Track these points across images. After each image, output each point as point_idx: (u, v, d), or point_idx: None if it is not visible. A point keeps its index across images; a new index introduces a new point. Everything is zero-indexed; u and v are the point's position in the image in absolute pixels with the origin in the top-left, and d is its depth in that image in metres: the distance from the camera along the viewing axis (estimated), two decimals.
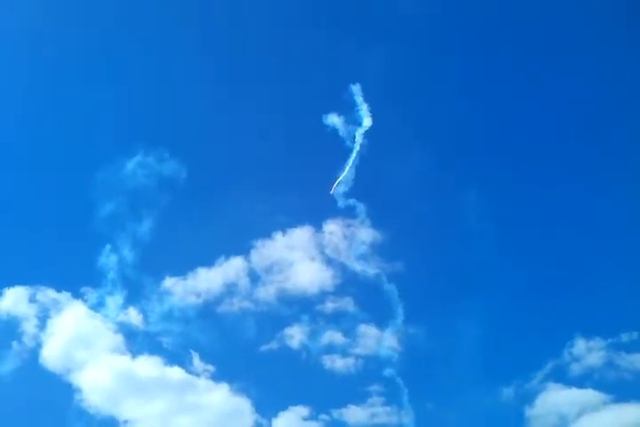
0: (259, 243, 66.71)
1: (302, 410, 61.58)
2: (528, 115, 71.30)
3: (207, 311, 65.41)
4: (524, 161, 71.25)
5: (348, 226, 65.94)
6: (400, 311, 62.51)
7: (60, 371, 60.43)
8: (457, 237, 68.87)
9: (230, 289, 65.63)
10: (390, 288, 63.01)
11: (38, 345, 60.91)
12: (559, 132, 71.03)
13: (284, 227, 66.74)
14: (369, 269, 64.41)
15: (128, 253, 63.58)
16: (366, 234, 65.83)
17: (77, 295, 63.77)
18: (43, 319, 62.26)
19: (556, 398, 59.82)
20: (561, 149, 70.02)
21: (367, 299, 66.29)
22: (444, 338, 64.70)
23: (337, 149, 62.85)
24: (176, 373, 61.48)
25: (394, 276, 64.10)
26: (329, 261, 66.32)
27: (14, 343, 61.41)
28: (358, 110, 60.47)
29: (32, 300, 62.66)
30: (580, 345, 61.34)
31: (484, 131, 72.11)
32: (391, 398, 62.61)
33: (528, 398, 60.88)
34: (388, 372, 61.87)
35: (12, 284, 63.21)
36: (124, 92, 72.57)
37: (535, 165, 70.81)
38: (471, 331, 62.99)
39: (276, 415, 62.04)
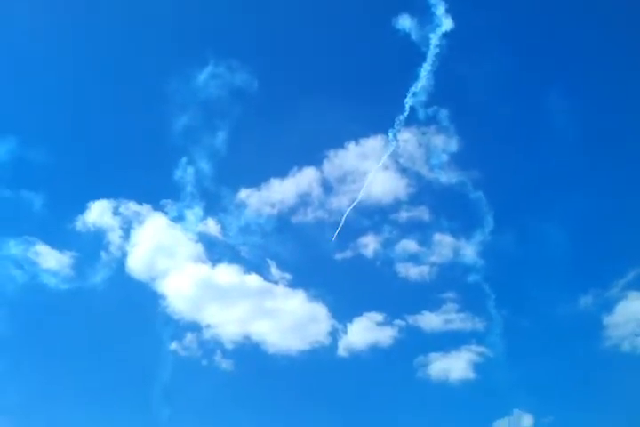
0: (331, 153, 66.17)
1: (377, 316, 62.91)
2: (611, 10, 65.94)
3: (282, 222, 66.22)
4: (609, 58, 66.30)
5: (424, 134, 64.12)
6: (483, 219, 61.51)
7: (145, 279, 63.33)
8: (542, 140, 66.23)
9: (304, 199, 65.92)
10: (477, 196, 61.66)
11: (124, 255, 63.63)
12: None
13: (356, 136, 65.67)
14: (448, 178, 63.13)
15: (204, 166, 64.27)
16: (444, 141, 63.94)
17: (158, 208, 65.60)
18: (126, 231, 64.66)
19: (636, 307, 58.57)
20: None
21: (444, 208, 65.43)
22: (528, 245, 63.80)
23: (410, 54, 60.18)
24: (254, 280, 63.44)
25: (480, 183, 62.72)
26: (403, 171, 65.24)
27: (102, 254, 64.33)
28: (433, 11, 56.94)
29: (115, 212, 64.98)
30: None
31: (567, 28, 67.28)
32: (466, 304, 62.78)
33: (607, 306, 59.89)
34: (472, 278, 61.71)
35: (96, 197, 65.53)
36: (194, 2, 71.34)
37: (621, 61, 65.93)
38: (555, 237, 61.71)
39: (351, 321, 63.63)
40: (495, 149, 66.41)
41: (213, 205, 65.81)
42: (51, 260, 63.46)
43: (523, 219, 64.87)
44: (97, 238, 64.97)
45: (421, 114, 60.40)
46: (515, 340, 60.89)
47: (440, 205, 65.38)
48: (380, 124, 63.89)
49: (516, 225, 64.33)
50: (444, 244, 64.00)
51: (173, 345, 61.77)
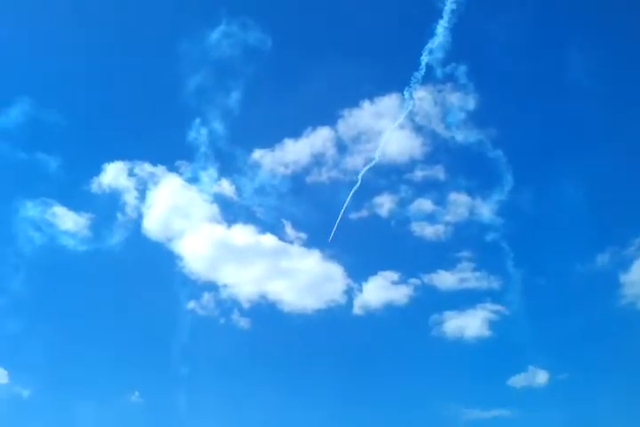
0: (346, 112, 65.48)
1: (392, 275, 63.15)
2: None
3: (296, 182, 66.07)
4: (628, 13, 64.64)
5: (440, 92, 63.13)
6: (502, 177, 60.97)
7: (161, 240, 63.75)
8: (562, 97, 64.94)
9: (318, 160, 65.61)
10: (495, 154, 61.02)
11: (140, 216, 63.95)
12: None
13: (371, 95, 64.74)
14: (465, 136, 62.39)
15: (217, 126, 63.95)
16: (461, 99, 62.94)
17: (172, 169, 65.64)
18: (142, 192, 64.85)
19: None
20: None
21: (460, 166, 64.91)
22: (546, 203, 63.26)
23: (426, 10, 59.04)
24: (270, 240, 63.65)
25: (499, 141, 61.97)
26: (419, 129, 64.52)
27: (119, 215, 64.70)
28: None
29: (130, 174, 65.10)
30: None
31: None
32: (482, 263, 62.77)
33: (624, 264, 59.64)
34: (490, 237, 61.55)
35: (110, 159, 65.63)
36: None
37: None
38: (573, 195, 61.24)
39: (366, 280, 63.94)
40: (514, 106, 65.38)
41: (227, 166, 65.71)
42: (68, 221, 63.96)
43: (542, 177, 64.29)
44: (113, 200, 65.29)
45: (438, 71, 59.45)
46: (531, 298, 61.00)
47: (456, 164, 64.85)
48: (395, 82, 63.00)
49: (534, 183, 63.76)
50: (460, 203, 63.72)
51: (191, 305, 62.49)
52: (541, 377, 58.81)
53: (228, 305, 63.06)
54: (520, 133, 64.75)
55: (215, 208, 64.59)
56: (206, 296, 62.93)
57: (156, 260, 65.01)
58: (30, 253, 62.42)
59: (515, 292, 60.69)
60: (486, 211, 62.28)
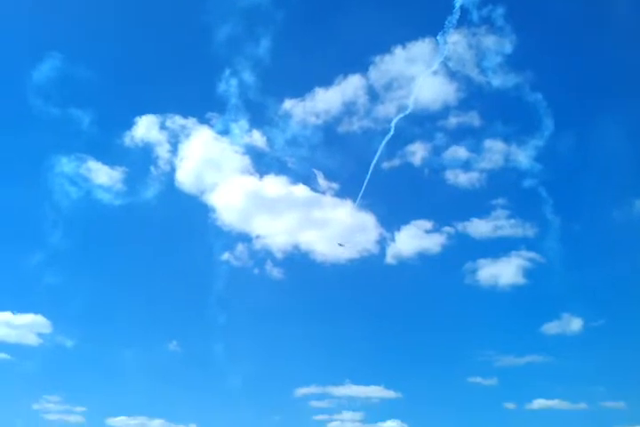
0: (377, 58, 64.06)
1: (425, 224, 62.89)
2: None
3: (328, 132, 65.53)
4: None
5: (475, 35, 61.27)
6: (542, 122, 59.51)
7: (194, 193, 64.19)
8: (604, 38, 62.43)
9: (349, 108, 64.80)
10: (535, 98, 59.51)
11: (172, 169, 64.34)
12: None
13: (403, 40, 62.93)
14: (502, 81, 60.79)
15: (247, 77, 63.27)
16: (497, 42, 60.96)
17: (203, 121, 65.56)
18: (174, 145, 65.07)
19: None
20: None
21: (496, 112, 63.58)
22: (588, 149, 61.80)
23: None
24: (302, 191, 63.65)
25: (538, 85, 60.33)
26: (453, 75, 62.97)
27: (152, 168, 65.18)
28: None
29: (162, 127, 65.24)
30: None
31: None
32: (517, 210, 62.03)
33: None
34: (527, 183, 60.66)
35: (142, 113, 65.74)
36: None
37: None
38: (615, 140, 59.56)
39: (399, 229, 63.83)
40: (553, 48, 63.26)
41: (258, 117, 65.35)
42: (102, 176, 64.72)
43: (583, 121, 62.51)
44: (145, 153, 65.70)
45: (473, 14, 57.69)
46: (569, 245, 60.25)
47: (492, 109, 63.49)
48: (428, 26, 61.02)
49: (575, 128, 62.03)
50: (496, 149, 62.61)
51: (225, 256, 63.27)
52: (575, 324, 58.68)
53: (262, 256, 63.74)
54: (560, 76, 62.95)
55: (247, 160, 64.64)
56: (240, 247, 63.62)
57: (190, 212, 65.65)
58: (67, 208, 63.57)
59: (551, 239, 60.00)
60: (524, 157, 61.08)
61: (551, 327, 59.15)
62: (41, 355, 62.31)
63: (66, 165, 63.78)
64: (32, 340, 61.49)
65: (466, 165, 63.05)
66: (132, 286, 66.26)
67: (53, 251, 62.21)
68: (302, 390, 60.77)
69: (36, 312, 61.84)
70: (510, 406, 57.96)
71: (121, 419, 60.65)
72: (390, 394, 59.16)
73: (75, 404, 60.19)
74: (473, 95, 62.83)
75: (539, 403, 57.12)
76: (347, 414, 59.28)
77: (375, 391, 59.11)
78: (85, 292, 65.07)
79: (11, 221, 66.61)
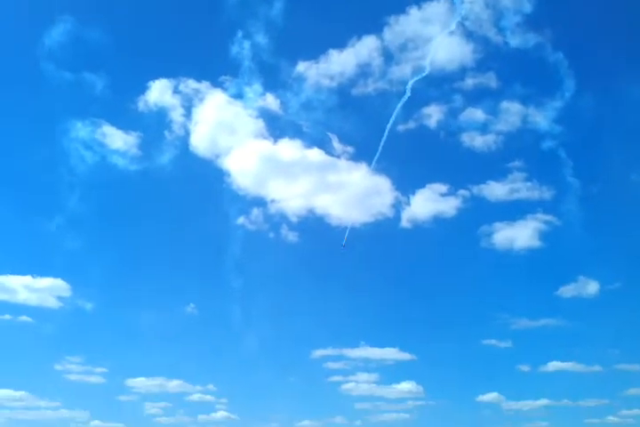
0: (392, 19, 62.63)
1: (440, 187, 62.50)
2: None
3: (342, 94, 64.79)
4: None
5: None
6: (562, 82, 58.23)
7: (209, 157, 64.11)
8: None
9: (364, 70, 63.86)
10: (556, 58, 58.12)
11: (187, 134, 64.17)
12: None
13: (418, 0, 61.72)
14: (520, 41, 59.30)
15: (260, 39, 62.36)
16: (515, 1, 59.32)
17: (217, 84, 65.04)
18: (188, 109, 64.75)
19: None
20: None
21: (514, 73, 62.34)
22: (610, 110, 60.60)
23: None
24: (316, 155, 63.26)
25: (560, 44, 58.85)
26: (469, 35, 61.60)
27: (166, 133, 65.11)
28: None
29: (175, 91, 64.84)
30: None
31: None
32: (534, 173, 61.38)
33: None
34: (546, 145, 59.82)
35: (155, 77, 65.33)
36: None
37: None
38: (637, 100, 58.39)
39: (414, 193, 63.54)
40: (575, 6, 61.50)
41: (272, 81, 64.67)
42: (118, 140, 64.78)
43: (605, 81, 61.10)
44: (160, 118, 65.56)
45: None
46: (587, 207, 59.65)
47: (510, 70, 62.28)
48: None
49: (597, 88, 60.79)
50: (513, 111, 61.61)
51: (241, 220, 63.54)
52: (592, 287, 58.54)
53: (277, 220, 63.92)
54: (582, 35, 61.15)
55: (261, 123, 64.24)
56: (255, 212, 63.78)
57: (205, 177, 65.76)
58: (83, 173, 63.91)
59: (569, 201, 59.43)
60: (542, 119, 60.06)
61: (567, 290, 59.13)
62: (61, 318, 63.64)
63: (81, 129, 63.89)
64: (52, 303, 62.75)
65: (482, 128, 62.26)
66: (149, 249, 66.94)
67: (71, 215, 62.88)
68: (318, 352, 61.61)
69: (55, 276, 62.92)
70: (525, 368, 58.46)
71: (140, 380, 62.12)
72: (405, 356, 59.87)
73: (95, 365, 61.63)
74: (490, 56, 61.63)
75: (553, 365, 57.52)
76: (362, 376, 60.21)
77: (390, 353, 59.84)
78: (104, 256, 65.89)
79: (28, 185, 67.26)
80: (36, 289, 61.46)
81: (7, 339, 63.22)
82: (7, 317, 61.95)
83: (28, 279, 61.35)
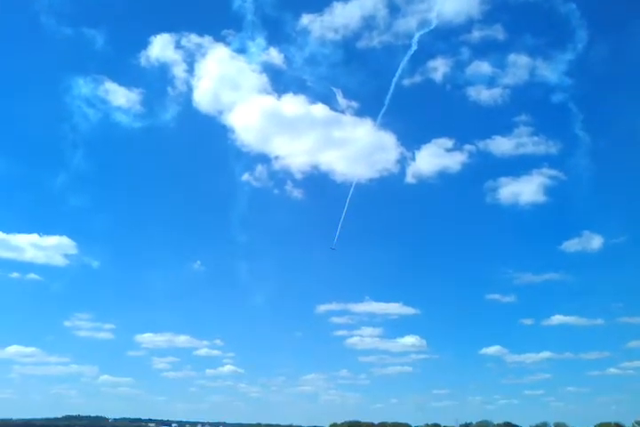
0: None
1: (446, 142, 62.24)
2: None
3: (347, 48, 63.99)
4: None
5: None
6: (574, 34, 57.32)
7: (212, 113, 63.70)
8: None
9: (369, 23, 62.89)
10: (568, 8, 56.91)
11: (190, 89, 63.66)
12: None
13: None
14: None
15: None
16: None
17: (219, 39, 64.32)
18: (190, 64, 64.09)
19: None
20: None
21: (523, 25, 61.71)
22: (623, 61, 59.69)
23: None
24: (321, 110, 62.93)
25: None
26: None
27: (169, 89, 64.47)
28: None
29: (177, 46, 64.16)
30: None
31: None
32: (541, 127, 60.95)
33: None
34: (556, 98, 59.07)
35: (156, 31, 64.52)
36: None
37: None
38: None
39: (419, 148, 63.32)
40: None
41: (275, 34, 63.90)
42: (120, 97, 64.29)
43: (619, 33, 60.25)
44: (162, 74, 64.96)
45: None
46: (595, 162, 59.47)
47: (518, 22, 61.43)
48: None
49: (611, 40, 59.97)
50: (521, 64, 60.85)
51: (245, 177, 63.57)
52: (596, 242, 58.82)
53: (281, 176, 63.94)
54: None
55: (264, 78, 63.64)
56: (259, 168, 63.75)
57: (209, 133, 65.55)
58: (87, 130, 63.66)
59: (577, 156, 59.18)
60: (552, 72, 59.24)
61: (571, 245, 59.48)
62: (69, 275, 64.31)
63: (83, 86, 63.36)
64: (59, 261, 63.36)
65: (489, 81, 61.59)
66: (154, 207, 67.16)
67: (75, 173, 62.91)
68: (323, 307, 62.41)
69: (61, 234, 63.38)
70: (528, 322, 59.32)
71: (148, 335, 63.17)
72: (409, 310, 60.69)
73: (104, 321, 62.59)
74: (498, 8, 60.79)
75: (556, 319, 58.34)
76: (366, 330, 61.15)
77: (394, 308, 60.58)
78: (109, 213, 66.11)
79: (32, 143, 67.09)
80: (42, 247, 62.07)
81: (16, 297, 64.08)
82: (15, 275, 62.67)
83: (34, 237, 61.97)
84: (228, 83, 64.80)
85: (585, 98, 59.10)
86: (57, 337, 65.24)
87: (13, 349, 62.10)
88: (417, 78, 62.57)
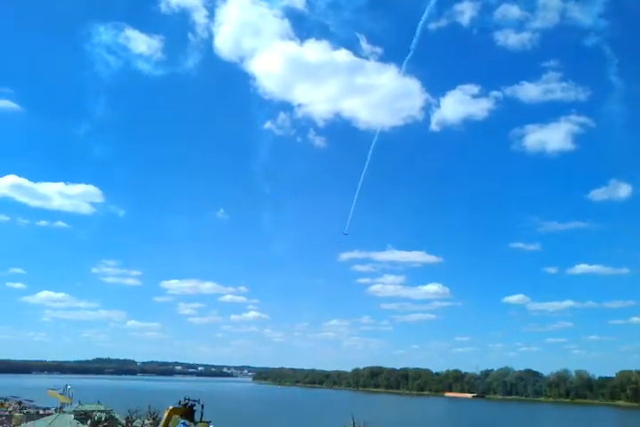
0: None
1: (471, 88, 61.36)
2: None
3: None
4: None
5: None
6: None
7: (234, 60, 63.19)
8: None
9: None
10: None
11: (211, 36, 62.96)
12: None
13: None
14: None
15: None
16: None
17: None
18: (210, 10, 63.75)
19: None
20: None
21: None
22: None
23: None
24: (344, 56, 62.11)
25: None
26: None
27: (190, 35, 63.53)
28: None
29: None
30: None
31: None
32: (570, 72, 59.43)
33: None
34: (589, 42, 57.13)
35: None
36: None
37: None
38: None
39: (444, 95, 62.37)
40: None
41: None
42: (141, 44, 63.85)
43: None
44: (182, 20, 64.13)
45: None
46: (628, 108, 58.03)
47: None
48: None
49: None
50: (551, 7, 58.91)
51: (268, 125, 63.29)
52: (623, 190, 58.11)
53: (304, 124, 63.75)
54: None
55: (286, 24, 62.57)
56: (282, 116, 63.37)
57: (230, 81, 65.15)
58: (108, 78, 63.64)
59: (609, 102, 57.94)
60: (585, 14, 57.12)
61: (598, 194, 58.92)
62: (95, 223, 65.66)
63: (103, 33, 62.84)
64: (86, 209, 64.46)
65: (518, 25, 59.70)
66: (178, 155, 67.62)
67: (99, 121, 63.20)
68: (346, 255, 63.04)
69: (87, 182, 64.39)
70: (552, 270, 59.45)
71: (174, 282, 64.59)
72: (432, 259, 61.12)
73: (131, 268, 64.26)
74: None
75: (581, 268, 58.31)
76: (388, 278, 61.82)
77: (417, 256, 61.31)
78: (133, 162, 66.72)
79: (54, 92, 67.33)
80: (69, 195, 63.10)
81: (45, 244, 65.47)
82: (43, 222, 63.86)
83: (60, 186, 62.94)
84: (249, 29, 63.96)
85: (621, 41, 57.09)
86: (85, 283, 67.15)
87: (44, 294, 64.37)
88: (443, 22, 61.01)
